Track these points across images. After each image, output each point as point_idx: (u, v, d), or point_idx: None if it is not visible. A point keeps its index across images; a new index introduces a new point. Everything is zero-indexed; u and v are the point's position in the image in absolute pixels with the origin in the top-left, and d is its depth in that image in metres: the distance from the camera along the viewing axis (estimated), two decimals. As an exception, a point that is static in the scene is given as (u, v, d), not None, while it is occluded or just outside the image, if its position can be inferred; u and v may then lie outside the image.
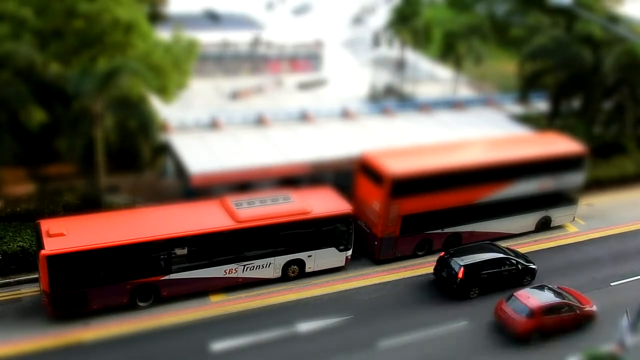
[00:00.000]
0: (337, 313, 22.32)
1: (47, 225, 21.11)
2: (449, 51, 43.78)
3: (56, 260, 20.07)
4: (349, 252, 24.73)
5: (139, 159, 27.22)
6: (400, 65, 48.69)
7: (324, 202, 24.54)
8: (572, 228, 29.82)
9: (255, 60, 46.66)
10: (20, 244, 22.92)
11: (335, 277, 24.54)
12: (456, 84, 44.27)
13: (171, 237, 21.67)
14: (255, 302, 22.67)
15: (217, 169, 26.28)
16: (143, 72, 25.53)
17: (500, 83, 46.30)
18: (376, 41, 53.68)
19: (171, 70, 28.57)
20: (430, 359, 20.64)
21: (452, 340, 21.35)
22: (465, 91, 45.18)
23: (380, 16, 56.88)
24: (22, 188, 27.76)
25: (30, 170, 28.75)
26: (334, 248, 24.41)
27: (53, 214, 23.75)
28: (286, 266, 23.84)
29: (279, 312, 22.29)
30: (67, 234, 20.67)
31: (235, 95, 40.96)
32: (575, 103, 37.45)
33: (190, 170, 25.85)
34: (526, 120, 34.89)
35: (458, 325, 22.06)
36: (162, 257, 21.76)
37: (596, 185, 33.12)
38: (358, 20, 66.91)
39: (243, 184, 27.51)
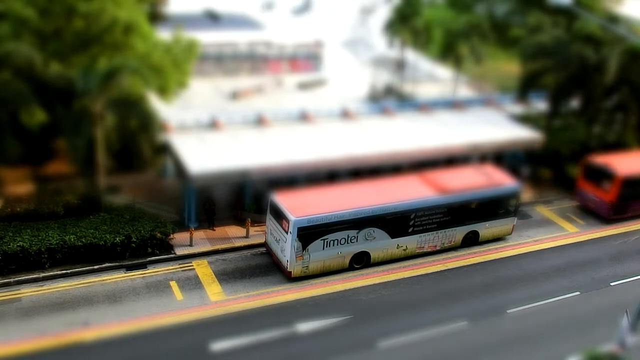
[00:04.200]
0: (337, 313, 22.33)
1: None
2: (449, 51, 43.72)
3: (626, 179, 29.58)
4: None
5: (139, 158, 27.20)
6: (400, 65, 48.63)
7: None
8: (572, 228, 29.86)
9: (255, 60, 46.62)
10: (20, 244, 22.94)
11: (335, 277, 24.56)
12: (456, 84, 44.23)
13: None
14: (255, 302, 22.69)
15: (217, 169, 26.30)
16: (143, 71, 25.53)
17: (500, 83, 46.27)
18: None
19: (171, 70, 28.57)
20: (430, 359, 20.66)
21: (452, 340, 21.37)
22: (465, 91, 45.14)
23: (380, 16, 56.79)
24: (22, 188, 27.77)
25: (30, 170, 28.74)
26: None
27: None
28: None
29: (279, 312, 22.29)
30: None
31: (235, 95, 40.90)
32: (575, 103, 37.42)
33: (190, 170, 25.86)
34: (526, 120, 34.91)
35: (458, 325, 22.07)
36: None
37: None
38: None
39: (242, 183, 27.66)
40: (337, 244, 24.13)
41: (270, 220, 24.92)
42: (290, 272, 23.75)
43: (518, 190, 27.70)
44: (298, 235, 23.20)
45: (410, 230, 25.44)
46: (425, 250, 26.29)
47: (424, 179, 26.74)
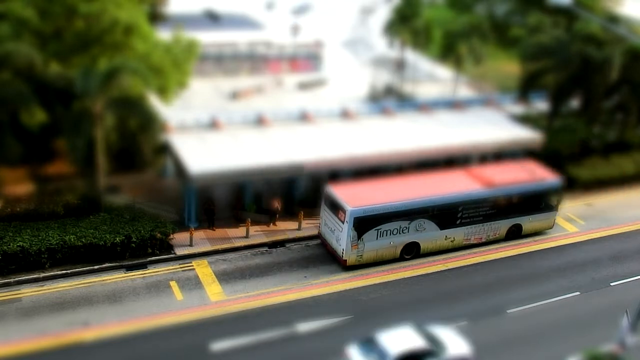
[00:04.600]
0: (337, 313, 22.33)
1: None
2: (449, 51, 43.73)
3: None
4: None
5: (140, 158, 27.21)
6: (400, 65, 48.60)
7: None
8: (572, 228, 29.86)
9: (255, 60, 46.60)
10: (20, 244, 22.93)
11: (335, 277, 24.57)
12: (456, 84, 44.23)
13: None
14: (255, 302, 22.69)
15: (217, 169, 26.31)
16: (143, 71, 25.55)
17: (500, 83, 46.26)
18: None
19: (171, 70, 28.58)
20: (430, 359, 20.64)
21: (452, 340, 21.34)
22: (465, 91, 45.12)
23: (380, 16, 56.80)
24: (22, 188, 27.77)
25: (30, 170, 28.75)
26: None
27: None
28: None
29: (279, 312, 22.29)
30: None
31: (235, 95, 40.91)
32: (575, 102, 37.45)
33: (190, 170, 25.87)
34: (526, 120, 34.91)
35: (458, 325, 22.06)
36: None
37: (596, 185, 33.15)
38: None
39: (242, 183, 27.65)
40: (390, 234, 25.04)
41: (325, 212, 25.89)
42: (346, 260, 24.66)
43: (560, 185, 28.38)
44: (354, 225, 24.12)
45: (458, 222, 26.33)
46: (471, 242, 27.06)
47: (470, 174, 27.67)
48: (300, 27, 47.58)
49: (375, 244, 24.89)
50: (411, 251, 25.82)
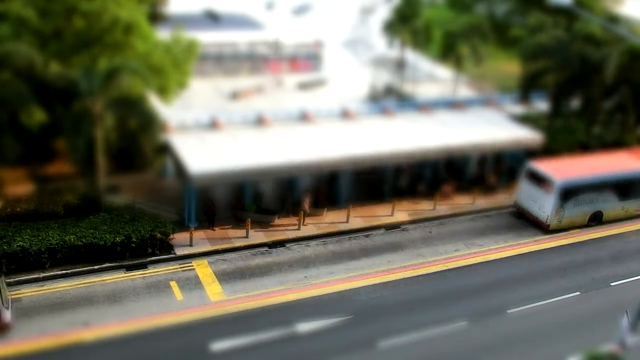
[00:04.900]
0: (337, 313, 22.33)
1: None
2: (449, 51, 43.76)
3: None
4: None
5: (140, 158, 27.22)
6: (400, 65, 48.63)
7: None
8: (572, 228, 29.86)
9: (255, 60, 46.63)
10: (20, 244, 22.93)
11: (335, 277, 24.57)
12: (456, 84, 44.26)
13: None
14: (255, 302, 22.69)
15: (217, 169, 26.32)
16: (143, 71, 25.55)
17: (500, 83, 46.30)
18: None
19: (171, 70, 28.59)
20: (430, 359, 20.66)
21: (452, 340, 21.37)
22: (465, 91, 45.16)
23: (380, 16, 56.82)
24: (22, 188, 27.78)
25: (30, 170, 28.77)
26: None
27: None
28: None
29: (279, 312, 22.29)
30: None
31: (235, 95, 40.93)
32: (575, 103, 37.45)
33: (190, 170, 25.87)
34: (526, 120, 34.91)
35: (458, 325, 22.08)
36: None
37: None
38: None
39: (243, 183, 27.66)
40: (583, 204, 29.22)
41: (525, 184, 29.94)
42: (549, 225, 28.81)
43: None
44: (560, 195, 28.16)
45: (632, 194, 30.22)
46: (638, 212, 30.82)
47: (634, 154, 31.63)
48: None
49: (572, 211, 28.95)
50: (595, 219, 29.68)
